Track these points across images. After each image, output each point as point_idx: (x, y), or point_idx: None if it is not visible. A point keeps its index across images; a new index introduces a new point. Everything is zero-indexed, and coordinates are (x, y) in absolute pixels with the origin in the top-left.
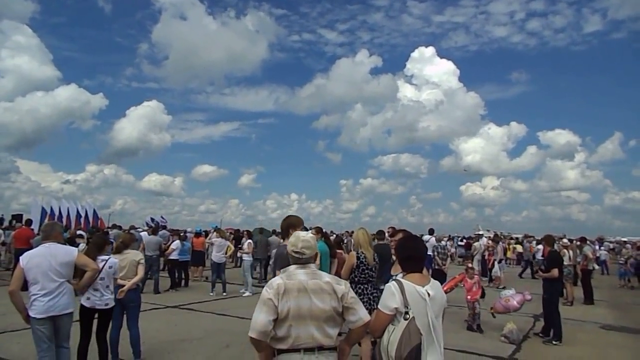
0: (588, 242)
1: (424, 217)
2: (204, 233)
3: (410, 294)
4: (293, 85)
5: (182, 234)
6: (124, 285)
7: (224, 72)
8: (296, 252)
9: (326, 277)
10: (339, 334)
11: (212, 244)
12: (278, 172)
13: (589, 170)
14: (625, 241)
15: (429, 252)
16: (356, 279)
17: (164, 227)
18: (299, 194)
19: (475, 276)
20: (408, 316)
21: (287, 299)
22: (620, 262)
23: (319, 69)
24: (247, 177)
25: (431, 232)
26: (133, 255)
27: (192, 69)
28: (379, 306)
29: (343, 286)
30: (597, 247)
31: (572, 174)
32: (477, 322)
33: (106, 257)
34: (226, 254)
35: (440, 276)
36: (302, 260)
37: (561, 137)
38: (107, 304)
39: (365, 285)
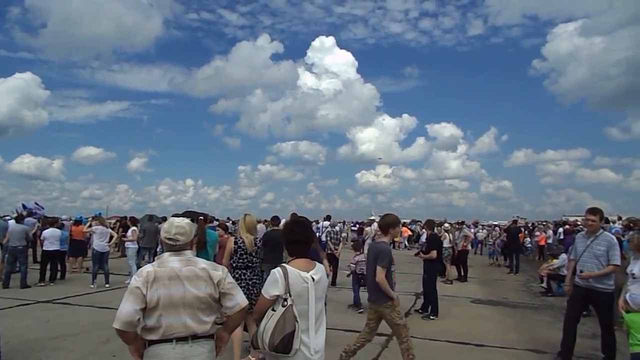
0: (465, 225)
1: (321, 204)
2: (85, 221)
3: (294, 280)
4: (190, 65)
5: (59, 222)
6: None
7: (112, 47)
8: (169, 239)
9: (202, 263)
10: (220, 324)
11: (93, 232)
12: (172, 156)
13: (469, 161)
14: (496, 225)
15: (323, 238)
16: (234, 264)
17: (32, 214)
18: (195, 180)
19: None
20: (286, 303)
21: (156, 287)
22: (489, 243)
23: (218, 50)
24: (137, 161)
25: (328, 218)
26: None
27: (75, 41)
28: (262, 291)
29: (220, 272)
30: (472, 230)
31: (455, 164)
32: None
33: None
34: (110, 242)
35: (333, 260)
36: (176, 247)
37: (446, 130)
38: None
39: (244, 271)
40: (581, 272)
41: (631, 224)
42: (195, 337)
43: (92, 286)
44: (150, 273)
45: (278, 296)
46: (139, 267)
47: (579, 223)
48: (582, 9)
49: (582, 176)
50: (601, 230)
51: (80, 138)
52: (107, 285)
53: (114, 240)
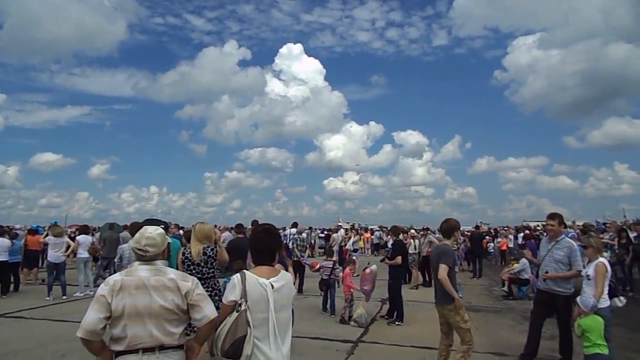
0: (430, 231)
1: (289, 211)
2: (42, 230)
3: (251, 286)
4: (155, 70)
5: (12, 232)
6: None
7: (72, 50)
8: (139, 250)
9: (171, 273)
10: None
11: (48, 242)
12: (136, 163)
13: (434, 168)
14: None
15: (290, 245)
16: None
17: None
18: (159, 187)
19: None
20: (240, 308)
21: (122, 296)
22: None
23: (184, 55)
24: (99, 167)
25: (294, 225)
26: None
27: (33, 43)
28: (223, 298)
29: (190, 283)
30: (437, 235)
31: (420, 171)
32: (349, 314)
33: None
34: (66, 252)
35: (299, 268)
36: (145, 258)
37: (412, 137)
38: None
39: None
40: (546, 272)
41: (585, 229)
42: (162, 347)
43: (47, 298)
44: (117, 282)
45: (235, 302)
46: (98, 277)
47: (538, 228)
48: (539, 22)
49: (542, 183)
50: (563, 236)
51: (37, 144)
52: (64, 297)
53: (71, 249)
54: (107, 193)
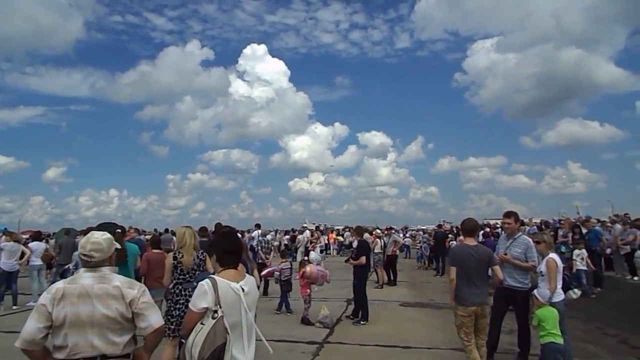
0: (394, 230)
1: (254, 212)
2: None
3: (224, 291)
4: (113, 70)
5: None
6: None
7: (25, 48)
8: (84, 255)
9: (117, 280)
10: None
11: (1, 249)
12: (94, 165)
13: (398, 168)
14: (423, 229)
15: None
16: (174, 280)
17: None
18: (119, 190)
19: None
20: (216, 315)
21: (64, 305)
22: (417, 247)
23: (144, 55)
24: (54, 170)
25: (258, 226)
26: None
27: None
28: (189, 304)
29: (135, 291)
30: (401, 235)
31: (385, 172)
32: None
33: None
34: (21, 259)
35: (264, 269)
36: (91, 264)
37: (376, 138)
38: None
39: (185, 285)
40: (505, 254)
41: (542, 226)
42: (104, 357)
43: None
44: (59, 290)
45: (207, 309)
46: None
47: (498, 226)
48: (497, 27)
49: (501, 182)
50: (520, 233)
51: None
52: (14, 307)
53: (26, 257)
54: (63, 197)
